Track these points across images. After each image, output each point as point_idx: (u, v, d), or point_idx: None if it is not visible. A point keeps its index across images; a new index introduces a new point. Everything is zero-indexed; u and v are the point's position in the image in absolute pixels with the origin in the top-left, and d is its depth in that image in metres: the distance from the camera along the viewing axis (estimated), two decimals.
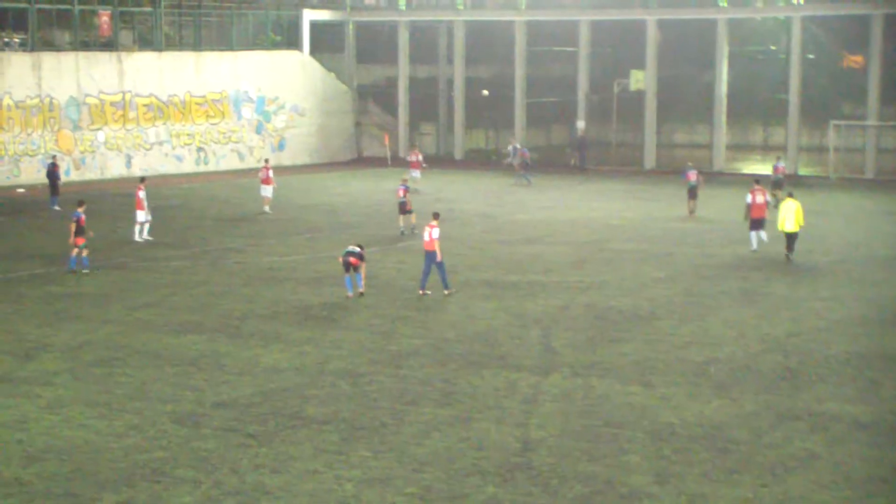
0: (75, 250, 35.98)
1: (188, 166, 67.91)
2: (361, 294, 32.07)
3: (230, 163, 69.88)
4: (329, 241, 41.59)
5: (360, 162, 75.77)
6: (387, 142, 74.72)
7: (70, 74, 62.90)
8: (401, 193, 44.72)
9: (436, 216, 33.00)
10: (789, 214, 37.99)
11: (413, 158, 60.16)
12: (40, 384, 23.47)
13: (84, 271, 35.74)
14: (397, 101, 78.69)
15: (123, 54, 65.51)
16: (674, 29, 71.20)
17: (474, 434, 20.18)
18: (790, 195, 39.10)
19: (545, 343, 26.96)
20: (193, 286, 34.11)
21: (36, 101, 61.54)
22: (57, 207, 50.33)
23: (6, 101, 60.32)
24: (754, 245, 39.82)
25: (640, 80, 71.67)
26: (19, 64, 61.10)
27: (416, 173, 58.22)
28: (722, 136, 69.76)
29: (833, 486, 17.61)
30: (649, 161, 71.35)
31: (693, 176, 49.47)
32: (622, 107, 72.98)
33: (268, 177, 50.92)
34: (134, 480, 17.95)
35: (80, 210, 36.61)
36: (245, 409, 21.77)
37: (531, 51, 74.60)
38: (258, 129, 72.66)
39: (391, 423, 20.86)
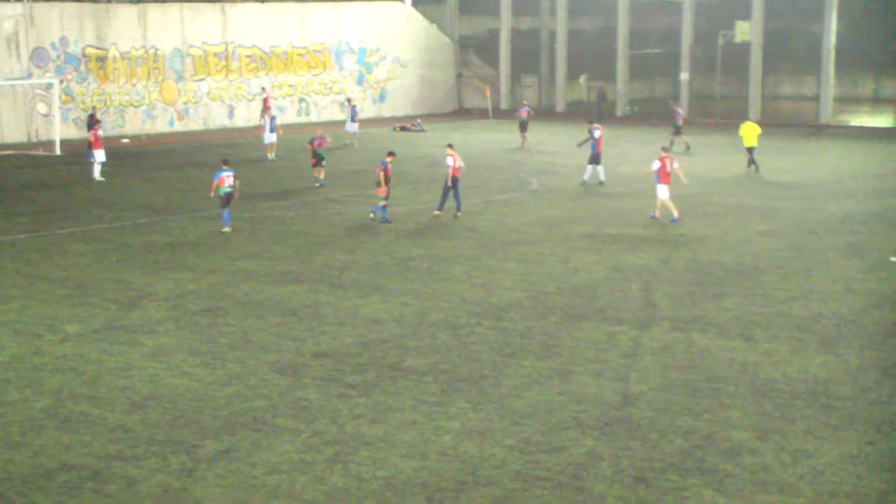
0: (383, 201, 35.88)
1: (290, 117, 68.32)
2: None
3: (331, 114, 70.19)
4: (430, 192, 41.54)
5: (461, 113, 75.60)
6: (488, 93, 74.51)
7: (174, 26, 63.47)
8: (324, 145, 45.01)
9: (450, 146, 37.49)
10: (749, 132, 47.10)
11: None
12: (144, 332, 23.74)
13: (384, 222, 36.02)
14: (499, 52, 78.33)
15: (227, 5, 65.97)
16: None
17: (574, 387, 20.06)
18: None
19: (645, 296, 26.72)
20: (294, 236, 34.30)
21: (141, 52, 62.21)
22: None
23: (112, 51, 61.05)
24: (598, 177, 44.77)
25: (746, 31, 70.54)
26: (125, 15, 61.80)
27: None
28: (830, 88, 68.45)
29: None
30: (754, 114, 70.30)
31: (524, 113, 58.13)
32: (727, 59, 71.92)
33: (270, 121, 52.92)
34: (235, 428, 18.10)
35: (387, 160, 36.06)
36: (345, 359, 21.85)
37: (634, 2, 73.71)
38: (359, 80, 72.80)
39: (491, 375, 20.81)
